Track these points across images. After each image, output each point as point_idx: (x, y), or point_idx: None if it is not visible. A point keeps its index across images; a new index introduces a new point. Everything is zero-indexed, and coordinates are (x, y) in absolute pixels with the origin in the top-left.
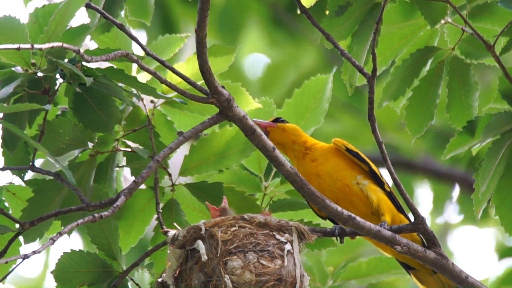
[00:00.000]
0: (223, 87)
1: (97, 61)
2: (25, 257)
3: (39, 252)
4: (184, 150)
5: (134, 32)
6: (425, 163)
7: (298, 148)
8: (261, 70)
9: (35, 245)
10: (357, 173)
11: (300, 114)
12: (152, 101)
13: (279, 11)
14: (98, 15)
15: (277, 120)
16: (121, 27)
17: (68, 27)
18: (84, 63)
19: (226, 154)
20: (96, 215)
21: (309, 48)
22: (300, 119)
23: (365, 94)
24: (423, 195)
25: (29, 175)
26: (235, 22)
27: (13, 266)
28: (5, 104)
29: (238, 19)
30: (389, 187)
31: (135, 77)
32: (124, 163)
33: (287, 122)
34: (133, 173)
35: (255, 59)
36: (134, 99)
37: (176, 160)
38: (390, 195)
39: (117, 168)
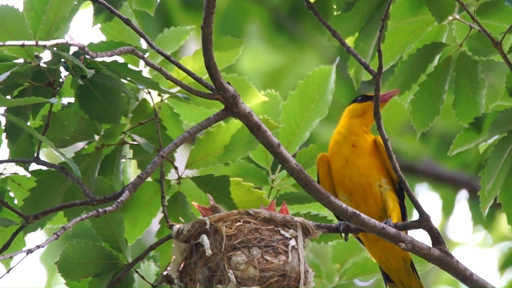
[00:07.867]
0: (228, 83)
1: (102, 57)
2: (29, 251)
3: (43, 246)
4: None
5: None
6: (428, 167)
7: (366, 126)
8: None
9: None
10: (383, 177)
11: (305, 105)
12: (159, 94)
13: (280, 15)
14: None
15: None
16: (128, 22)
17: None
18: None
19: (231, 147)
20: (100, 210)
21: (310, 53)
22: (305, 110)
23: None
24: (426, 201)
25: (34, 165)
26: (236, 27)
27: None
28: (8, 97)
29: (239, 24)
30: (405, 203)
31: (139, 71)
32: (130, 156)
33: None
34: (139, 165)
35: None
36: (140, 92)
37: (180, 153)
38: (404, 210)
39: (124, 160)
